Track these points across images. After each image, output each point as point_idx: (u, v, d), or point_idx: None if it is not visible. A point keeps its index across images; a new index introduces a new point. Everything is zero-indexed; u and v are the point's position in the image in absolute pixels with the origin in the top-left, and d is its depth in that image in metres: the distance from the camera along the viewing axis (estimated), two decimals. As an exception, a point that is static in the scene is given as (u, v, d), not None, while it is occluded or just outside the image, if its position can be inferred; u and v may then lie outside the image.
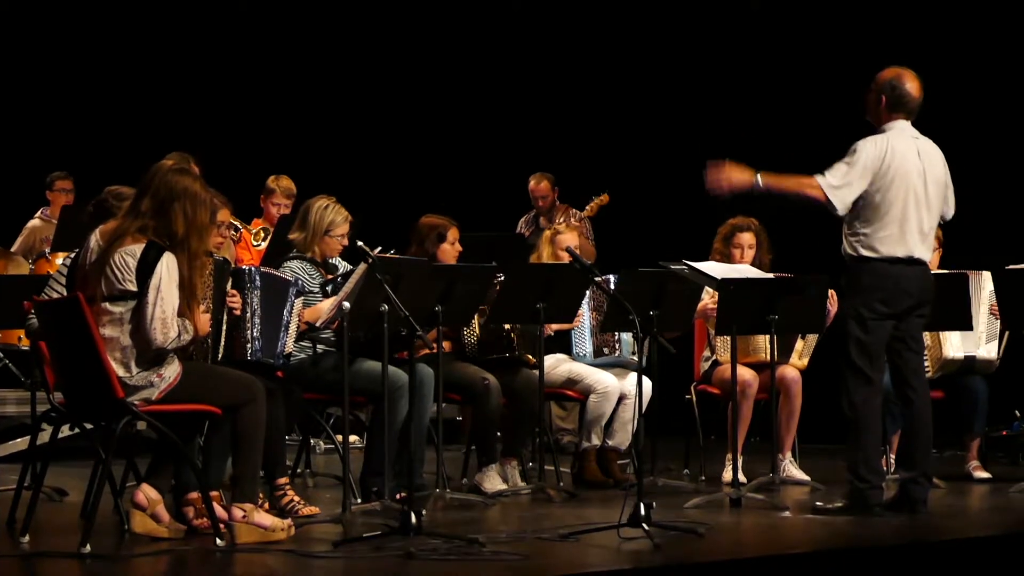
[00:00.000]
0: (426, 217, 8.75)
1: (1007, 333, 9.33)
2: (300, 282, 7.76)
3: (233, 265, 7.78)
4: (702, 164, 11.94)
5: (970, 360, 9.30)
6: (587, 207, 12.18)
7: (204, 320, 6.74)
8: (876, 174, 7.56)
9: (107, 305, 6.51)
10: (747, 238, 9.18)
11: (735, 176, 7.61)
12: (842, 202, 7.56)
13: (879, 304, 7.61)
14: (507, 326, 8.68)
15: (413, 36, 13.66)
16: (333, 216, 8.09)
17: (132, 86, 13.30)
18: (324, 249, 8.11)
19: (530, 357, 8.73)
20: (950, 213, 7.89)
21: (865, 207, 7.60)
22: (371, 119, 13.70)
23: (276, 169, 10.72)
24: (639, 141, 12.99)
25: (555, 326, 8.80)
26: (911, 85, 7.69)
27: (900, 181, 7.59)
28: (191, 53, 13.43)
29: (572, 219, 11.96)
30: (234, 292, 7.35)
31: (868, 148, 7.60)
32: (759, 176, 7.60)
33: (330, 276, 8.07)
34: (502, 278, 8.49)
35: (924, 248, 7.69)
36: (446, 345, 8.30)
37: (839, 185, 7.55)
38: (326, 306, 7.76)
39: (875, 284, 7.61)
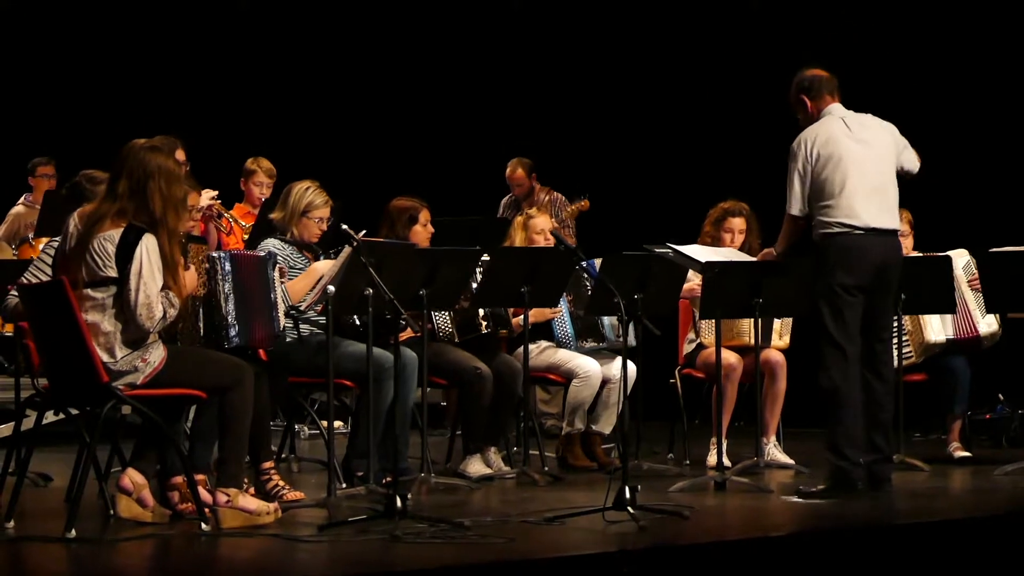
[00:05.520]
0: (397, 200, 8.67)
1: None
2: (274, 255, 7.63)
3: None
4: (688, 149, 12.05)
5: (952, 343, 9.31)
6: (568, 208, 12.02)
7: (191, 277, 6.73)
8: (814, 165, 7.75)
9: (89, 291, 6.51)
10: (738, 223, 9.17)
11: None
12: (795, 206, 7.80)
13: (846, 277, 7.68)
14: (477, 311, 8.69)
15: (393, 19, 13.61)
16: (313, 198, 8.07)
17: (113, 70, 13.24)
18: (302, 231, 8.07)
19: (503, 332, 8.76)
20: (915, 165, 7.99)
21: (818, 190, 7.75)
22: (352, 103, 13.65)
23: (256, 153, 10.68)
24: (625, 126, 12.94)
25: (534, 319, 8.76)
26: (816, 70, 7.94)
27: (837, 160, 7.74)
28: (171, 37, 13.38)
29: (561, 205, 11.86)
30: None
31: (794, 151, 7.83)
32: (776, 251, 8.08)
33: (310, 255, 8.06)
34: (486, 259, 8.46)
35: (887, 216, 7.78)
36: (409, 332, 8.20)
37: (788, 199, 7.83)
38: (302, 283, 7.76)
39: (839, 257, 7.71)
